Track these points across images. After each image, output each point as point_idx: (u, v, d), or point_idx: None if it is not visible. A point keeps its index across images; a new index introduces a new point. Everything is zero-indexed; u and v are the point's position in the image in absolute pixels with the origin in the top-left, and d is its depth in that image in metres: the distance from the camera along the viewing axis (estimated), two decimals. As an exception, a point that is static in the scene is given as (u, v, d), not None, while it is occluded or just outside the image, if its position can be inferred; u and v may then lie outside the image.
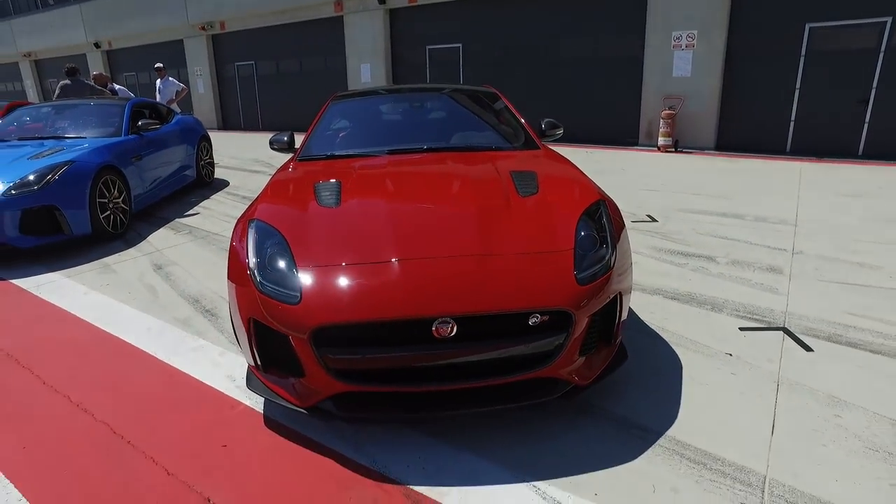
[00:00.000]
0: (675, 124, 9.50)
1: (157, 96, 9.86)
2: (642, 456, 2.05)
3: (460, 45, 12.02)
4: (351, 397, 2.09)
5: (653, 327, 3.03)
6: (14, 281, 4.14)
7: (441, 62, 12.42)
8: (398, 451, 2.12)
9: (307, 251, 2.23)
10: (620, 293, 2.30)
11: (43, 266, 4.44)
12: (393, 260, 2.13)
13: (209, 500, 1.90)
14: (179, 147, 6.99)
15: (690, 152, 9.45)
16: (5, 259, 4.62)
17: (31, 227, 4.52)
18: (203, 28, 16.44)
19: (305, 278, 2.11)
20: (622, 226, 2.51)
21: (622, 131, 10.41)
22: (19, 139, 5.80)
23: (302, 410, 2.11)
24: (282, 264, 2.19)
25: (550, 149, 3.53)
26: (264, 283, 2.14)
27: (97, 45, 20.30)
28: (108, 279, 4.11)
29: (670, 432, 2.16)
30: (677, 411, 2.29)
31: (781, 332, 2.91)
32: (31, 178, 4.55)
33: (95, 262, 4.55)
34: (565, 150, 4.62)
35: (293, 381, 2.15)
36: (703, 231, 4.77)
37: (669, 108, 9.48)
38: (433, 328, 1.96)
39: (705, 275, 3.77)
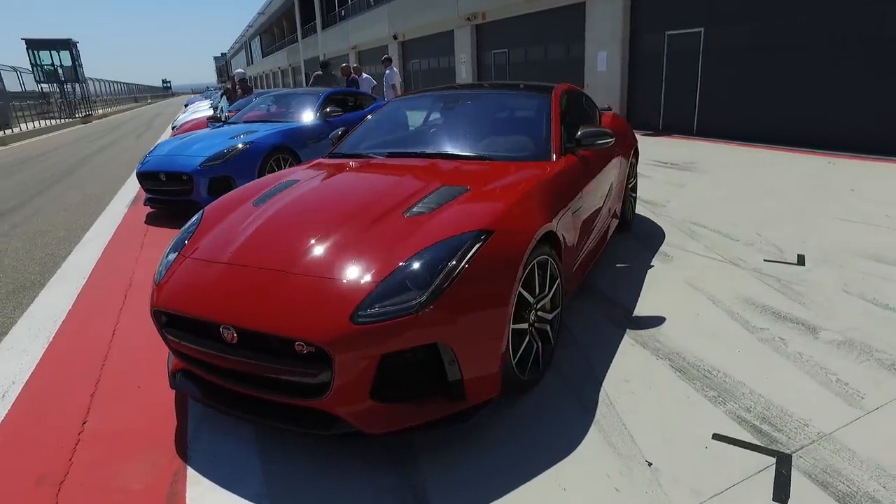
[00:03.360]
0: None
1: (384, 85, 11.23)
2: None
3: (701, 29, 10.38)
4: (189, 375, 2.32)
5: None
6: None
7: (679, 51, 10.95)
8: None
9: (196, 242, 2.49)
10: (452, 347, 1.96)
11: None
12: (220, 263, 2.25)
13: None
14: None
15: None
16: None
17: (215, 191, 5.88)
18: (468, 19, 17.80)
19: (171, 264, 2.39)
20: (514, 260, 2.14)
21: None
22: (244, 121, 7.46)
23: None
24: (171, 249, 2.51)
25: (577, 160, 3.13)
26: (161, 263, 2.50)
27: (395, 38, 23.85)
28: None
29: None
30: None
31: None
32: (219, 154, 5.90)
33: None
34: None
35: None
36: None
37: None
38: (220, 331, 2.04)
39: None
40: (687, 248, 4.29)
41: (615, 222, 4.28)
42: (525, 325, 2.37)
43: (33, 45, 31.39)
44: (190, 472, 2.08)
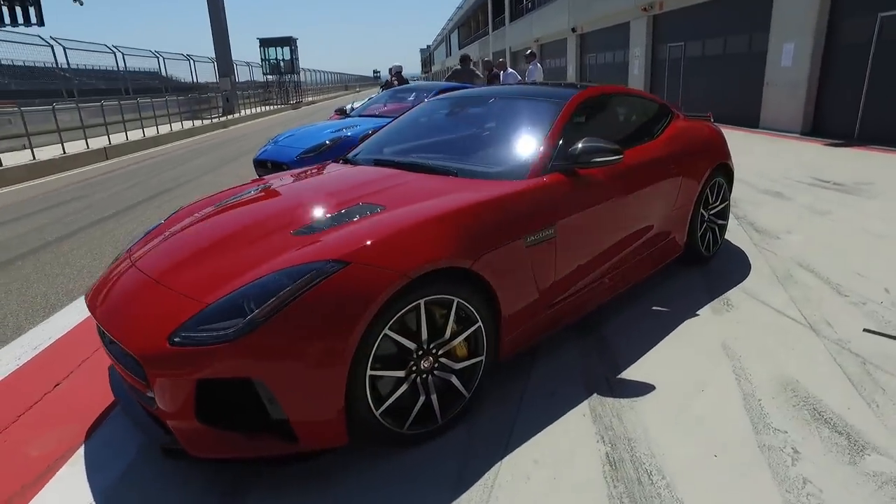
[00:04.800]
0: None
1: (526, 81, 10.79)
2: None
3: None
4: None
5: None
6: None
7: (893, 40, 8.64)
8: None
9: (143, 244, 2.60)
10: (268, 385, 1.77)
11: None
12: (131, 267, 2.29)
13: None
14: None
15: None
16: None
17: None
18: (645, 9, 16.29)
19: (111, 264, 2.53)
20: (365, 299, 1.85)
21: None
22: (360, 115, 7.77)
23: None
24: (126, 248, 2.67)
25: (568, 180, 2.63)
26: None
27: (573, 30, 22.93)
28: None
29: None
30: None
31: None
32: (314, 147, 6.23)
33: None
34: None
35: None
36: None
37: None
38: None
39: None
40: (764, 297, 3.35)
41: (670, 254, 3.53)
42: (402, 373, 2.04)
43: (264, 43, 36.92)
44: (81, 451, 2.21)
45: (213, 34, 25.78)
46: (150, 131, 16.71)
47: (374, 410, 1.97)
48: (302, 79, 44.74)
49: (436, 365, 2.15)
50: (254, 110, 27.82)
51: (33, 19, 22.23)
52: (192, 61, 24.85)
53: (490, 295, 2.25)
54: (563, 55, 25.34)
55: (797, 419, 2.21)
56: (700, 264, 3.88)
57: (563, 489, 1.90)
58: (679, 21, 15.18)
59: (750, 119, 11.90)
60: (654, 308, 3.28)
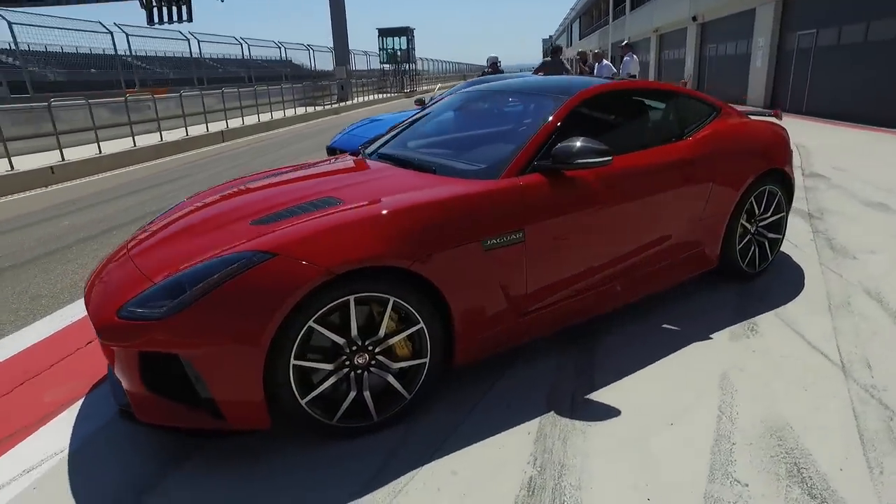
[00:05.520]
0: None
1: (621, 73, 10.20)
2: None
3: None
4: None
5: None
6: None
7: None
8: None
9: (150, 224, 2.85)
10: (193, 364, 1.88)
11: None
12: (124, 247, 2.52)
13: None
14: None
15: None
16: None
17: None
18: (775, -7, 14.66)
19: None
20: (284, 291, 1.89)
21: None
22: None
23: None
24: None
25: (548, 182, 2.47)
26: None
27: (694, 19, 21.23)
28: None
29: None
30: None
31: None
32: (375, 138, 6.36)
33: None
34: None
35: None
36: None
37: None
38: None
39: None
40: (801, 325, 2.92)
41: (699, 267, 3.21)
42: (329, 366, 2.05)
43: (383, 33, 38.32)
44: (80, 402, 2.50)
45: (332, 25, 27.25)
46: (265, 117, 18.10)
47: (300, 399, 2.01)
48: (421, 67, 45.88)
49: (372, 362, 2.14)
50: (367, 98, 29.07)
51: (184, 16, 24.99)
52: (311, 51, 26.48)
53: (439, 297, 2.19)
54: (683, 46, 23.60)
55: (767, 473, 1.92)
56: (741, 280, 3.46)
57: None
58: (810, 6, 13.50)
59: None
60: (664, 326, 2.99)
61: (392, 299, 2.08)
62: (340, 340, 2.04)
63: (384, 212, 2.15)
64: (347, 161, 3.24)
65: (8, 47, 16.49)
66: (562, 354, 2.73)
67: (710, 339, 2.84)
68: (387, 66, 39.17)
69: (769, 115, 3.81)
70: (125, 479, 2.01)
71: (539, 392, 2.43)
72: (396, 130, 3.54)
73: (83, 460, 2.13)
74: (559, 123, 2.64)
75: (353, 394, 2.12)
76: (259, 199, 2.64)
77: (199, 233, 2.35)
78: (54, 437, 2.26)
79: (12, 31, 14.15)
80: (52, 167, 9.23)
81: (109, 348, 2.05)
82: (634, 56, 10.30)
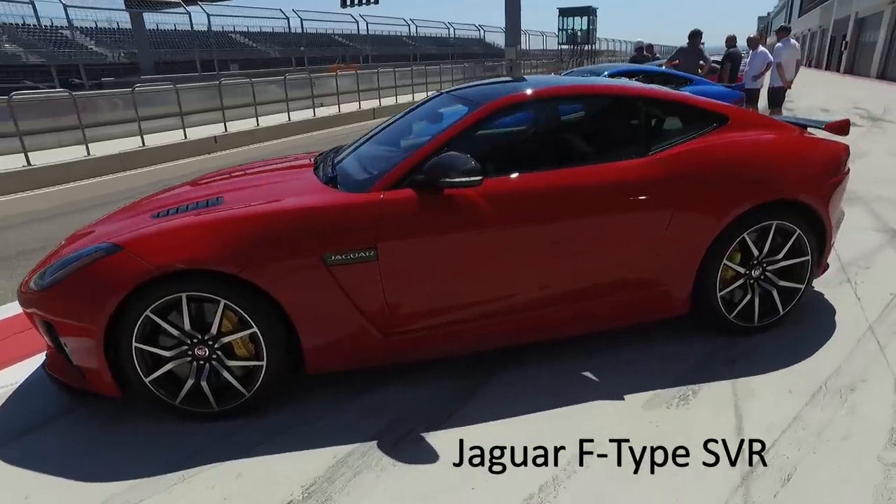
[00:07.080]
0: None
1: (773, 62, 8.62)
2: None
3: None
4: None
5: None
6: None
7: None
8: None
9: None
10: (59, 334, 2.24)
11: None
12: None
13: None
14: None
15: None
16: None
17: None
18: None
19: None
20: (118, 284, 2.13)
21: None
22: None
23: None
24: None
25: (418, 200, 2.34)
26: None
27: None
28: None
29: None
30: None
31: None
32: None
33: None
34: None
35: None
36: None
37: None
38: None
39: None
40: (749, 410, 2.36)
41: (657, 311, 2.77)
42: (168, 353, 2.26)
43: (564, 13, 37.17)
44: None
45: (505, 5, 27.21)
46: (421, 96, 18.99)
47: (143, 377, 2.26)
48: (602, 48, 43.73)
49: (213, 356, 2.30)
50: (536, 79, 28.74)
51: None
52: (482, 31, 26.80)
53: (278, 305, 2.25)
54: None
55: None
56: (730, 334, 2.87)
57: (218, 512, 1.90)
58: None
59: None
60: (583, 373, 2.64)
61: (223, 301, 2.20)
62: (174, 332, 2.23)
63: (223, 218, 2.27)
64: (303, 161, 3.31)
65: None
66: (443, 384, 2.59)
67: (621, 400, 2.44)
68: (565, 47, 38.01)
69: (808, 127, 3.02)
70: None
71: (382, 418, 2.36)
72: (364, 138, 3.51)
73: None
74: (453, 137, 2.45)
75: (191, 381, 2.31)
76: (184, 192, 2.91)
77: (120, 219, 2.68)
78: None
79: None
80: (215, 137, 10.91)
81: None
82: (793, 41, 8.49)
